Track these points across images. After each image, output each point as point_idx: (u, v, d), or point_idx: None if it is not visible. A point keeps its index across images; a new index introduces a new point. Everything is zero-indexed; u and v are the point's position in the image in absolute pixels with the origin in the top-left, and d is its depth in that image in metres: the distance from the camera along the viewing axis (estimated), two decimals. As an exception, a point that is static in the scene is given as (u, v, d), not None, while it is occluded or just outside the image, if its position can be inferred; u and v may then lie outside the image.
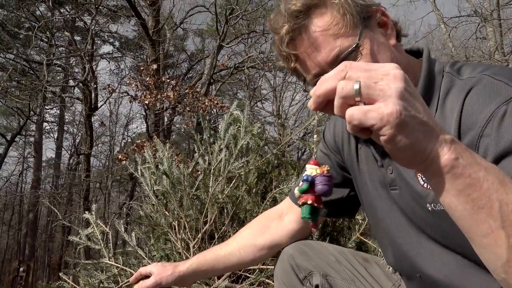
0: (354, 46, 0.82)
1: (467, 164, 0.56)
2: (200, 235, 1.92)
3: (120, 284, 1.84)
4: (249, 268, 1.82)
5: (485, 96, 0.73)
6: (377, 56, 0.83)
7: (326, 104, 0.60)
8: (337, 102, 0.56)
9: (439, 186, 0.58)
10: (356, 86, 0.54)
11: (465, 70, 0.83)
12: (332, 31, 0.83)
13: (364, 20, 0.84)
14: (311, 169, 0.66)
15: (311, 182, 0.66)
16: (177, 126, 15.72)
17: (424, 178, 0.83)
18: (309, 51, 0.85)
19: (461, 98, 0.76)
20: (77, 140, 19.13)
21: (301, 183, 0.67)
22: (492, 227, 0.56)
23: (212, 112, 9.88)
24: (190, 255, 1.89)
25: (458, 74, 0.82)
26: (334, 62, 0.82)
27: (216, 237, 1.94)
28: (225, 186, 1.95)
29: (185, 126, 10.67)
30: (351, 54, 0.82)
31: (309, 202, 0.66)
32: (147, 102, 8.74)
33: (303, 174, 0.67)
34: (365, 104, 0.55)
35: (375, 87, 0.54)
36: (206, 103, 8.76)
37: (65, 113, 18.45)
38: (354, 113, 0.54)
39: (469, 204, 0.56)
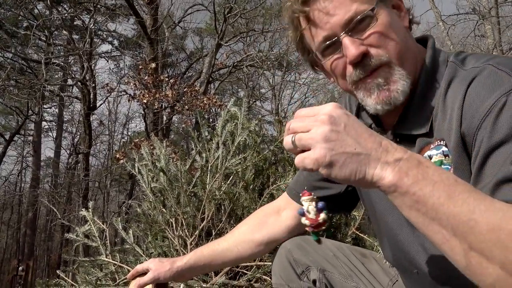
0: (370, 9, 0.80)
1: (412, 183, 0.61)
2: (197, 232, 1.91)
3: (118, 281, 1.84)
4: (246, 264, 1.82)
5: (487, 86, 0.73)
6: (390, 29, 0.82)
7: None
8: (289, 152, 0.66)
9: (393, 201, 0.64)
10: (293, 139, 0.66)
11: (469, 60, 0.82)
12: None
13: None
14: (305, 202, 0.78)
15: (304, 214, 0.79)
16: (175, 125, 15.72)
17: None
18: (324, 12, 0.82)
19: (463, 87, 0.76)
20: (76, 139, 19.09)
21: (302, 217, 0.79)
22: (446, 236, 0.59)
23: (211, 111, 9.88)
24: (187, 252, 1.88)
25: (463, 64, 0.82)
26: (347, 24, 0.81)
27: (213, 233, 1.94)
28: (222, 183, 1.95)
29: (184, 125, 10.67)
30: (365, 20, 0.81)
31: (309, 230, 0.78)
32: (145, 101, 8.72)
33: (310, 208, 0.78)
34: (304, 151, 0.65)
35: (305, 136, 0.65)
36: (205, 102, 8.75)
37: (64, 112, 18.44)
38: (296, 161, 0.66)
39: (421, 217, 0.61)
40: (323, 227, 0.76)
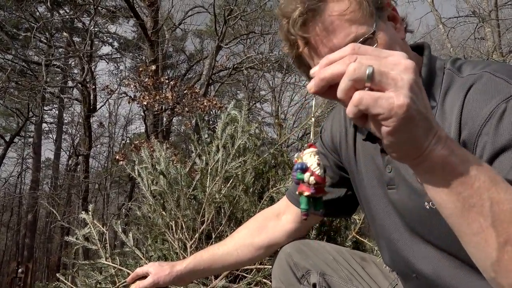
0: (370, 33, 0.80)
1: (460, 162, 0.56)
2: (197, 235, 1.91)
3: (117, 284, 1.84)
4: (246, 267, 1.82)
5: (485, 93, 0.73)
6: (391, 47, 0.82)
7: (327, 89, 0.58)
8: (344, 84, 0.54)
9: (430, 182, 0.58)
10: (369, 71, 0.52)
11: (466, 67, 0.82)
12: (348, 17, 0.80)
13: (378, 10, 0.83)
14: (308, 154, 0.63)
15: (305, 170, 0.63)
16: (176, 127, 15.73)
17: None
18: (322, 35, 0.81)
19: (461, 95, 0.76)
20: (76, 141, 19.11)
21: (296, 171, 0.63)
22: (483, 226, 0.56)
23: (211, 112, 9.89)
24: (187, 255, 1.88)
25: (459, 71, 0.82)
26: None
27: (213, 237, 1.94)
28: (222, 186, 1.95)
29: (184, 127, 10.67)
30: (367, 42, 0.80)
31: (306, 194, 0.63)
32: (145, 103, 8.73)
33: (299, 161, 0.64)
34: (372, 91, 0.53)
35: (388, 75, 0.53)
36: (205, 104, 8.76)
37: (64, 114, 18.45)
38: (364, 97, 0.52)
39: (460, 202, 0.56)
40: (322, 195, 0.62)
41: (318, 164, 0.62)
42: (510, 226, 0.55)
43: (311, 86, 0.58)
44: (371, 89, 0.53)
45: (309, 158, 0.63)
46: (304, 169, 0.62)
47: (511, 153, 0.67)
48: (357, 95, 0.53)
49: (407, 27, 0.92)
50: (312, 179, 0.62)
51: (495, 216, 0.55)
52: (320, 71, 0.57)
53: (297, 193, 0.65)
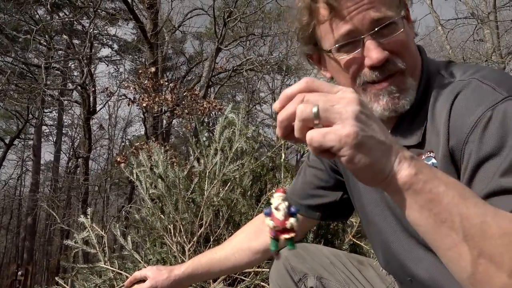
0: (398, 17, 0.80)
1: (427, 180, 0.58)
2: (195, 238, 1.91)
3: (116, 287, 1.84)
4: (244, 271, 1.82)
5: (472, 100, 0.74)
6: (409, 39, 0.84)
7: (291, 131, 0.60)
8: (297, 125, 0.58)
9: (402, 202, 0.60)
10: (315, 109, 0.56)
11: (456, 72, 0.83)
12: None
13: (400, 2, 0.84)
14: (275, 200, 0.65)
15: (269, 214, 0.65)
16: (175, 128, 15.74)
17: None
18: (352, 8, 0.79)
19: (449, 101, 0.77)
20: (76, 143, 19.12)
21: (270, 216, 0.64)
22: (455, 241, 0.57)
23: (211, 114, 9.89)
24: (185, 258, 1.89)
25: (450, 76, 0.83)
26: (373, 26, 0.80)
27: (211, 240, 1.94)
28: (220, 189, 1.95)
29: (184, 129, 10.68)
30: (391, 25, 0.80)
31: (269, 236, 0.64)
32: (145, 105, 8.74)
33: (282, 207, 0.65)
34: (323, 126, 0.57)
35: (333, 110, 0.56)
36: (205, 106, 8.76)
37: (64, 116, 18.45)
38: (314, 135, 0.56)
39: (432, 218, 0.57)
40: (288, 236, 0.63)
41: (277, 209, 0.64)
42: (482, 240, 0.55)
43: (278, 132, 0.63)
44: (323, 126, 0.57)
45: (275, 201, 0.65)
46: (269, 213, 0.65)
47: (495, 161, 0.67)
48: (308, 135, 0.57)
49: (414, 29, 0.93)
50: (271, 223, 0.64)
51: (466, 231, 0.56)
52: (278, 115, 0.61)
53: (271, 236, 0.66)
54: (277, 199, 0.64)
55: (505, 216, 0.57)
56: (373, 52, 0.80)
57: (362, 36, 0.80)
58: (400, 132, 0.86)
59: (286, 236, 0.63)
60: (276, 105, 0.62)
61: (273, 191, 0.69)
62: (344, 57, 0.84)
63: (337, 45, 0.83)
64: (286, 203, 0.64)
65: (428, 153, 0.81)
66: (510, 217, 0.57)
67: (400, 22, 0.81)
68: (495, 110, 0.70)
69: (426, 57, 0.90)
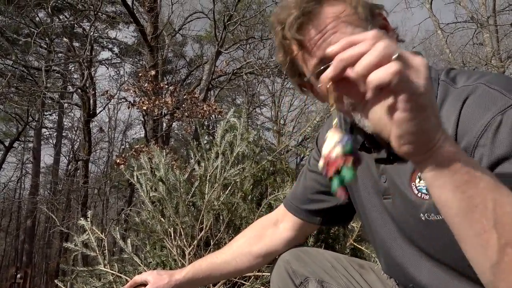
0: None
1: (466, 161, 0.57)
2: (195, 242, 1.91)
3: (116, 291, 1.83)
4: (244, 275, 1.82)
5: (481, 105, 0.73)
6: None
7: (340, 80, 0.56)
8: (370, 59, 0.52)
9: (436, 179, 0.58)
10: (396, 55, 0.52)
11: (460, 78, 0.82)
12: (344, 19, 0.81)
13: (371, 17, 0.84)
14: (340, 133, 0.60)
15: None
16: (175, 132, 15.74)
17: (418, 186, 0.83)
18: (317, 37, 0.81)
19: (457, 107, 0.76)
20: (76, 146, 19.10)
21: (338, 144, 0.59)
22: (485, 227, 0.56)
23: (211, 117, 9.89)
24: (185, 262, 1.88)
25: (453, 82, 0.82)
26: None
27: (211, 244, 1.94)
28: (221, 193, 1.95)
29: (184, 132, 10.68)
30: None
31: (349, 163, 0.58)
32: (145, 108, 8.74)
33: (332, 140, 0.60)
34: None
35: (411, 62, 0.53)
36: (205, 109, 8.77)
37: (64, 119, 18.46)
38: (400, 69, 0.51)
39: (465, 201, 0.56)
40: (337, 168, 0.57)
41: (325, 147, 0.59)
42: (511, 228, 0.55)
43: (327, 74, 0.57)
44: None
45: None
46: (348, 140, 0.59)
47: (507, 164, 0.67)
48: (394, 66, 0.51)
49: (398, 37, 0.92)
50: (320, 163, 0.59)
51: (497, 218, 0.55)
52: (340, 54, 0.55)
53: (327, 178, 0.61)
54: (329, 137, 0.60)
55: None
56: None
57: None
58: None
59: (334, 168, 0.58)
60: (333, 48, 0.57)
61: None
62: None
63: (312, 75, 0.85)
64: (337, 136, 0.60)
65: None
66: None
67: None
68: (505, 115, 0.69)
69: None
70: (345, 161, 0.58)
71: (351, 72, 0.55)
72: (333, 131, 0.61)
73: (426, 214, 0.81)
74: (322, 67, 0.83)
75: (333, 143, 0.59)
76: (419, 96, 0.52)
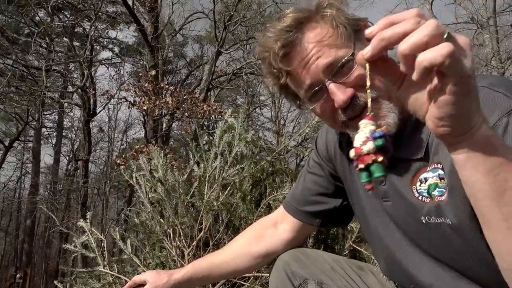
0: (350, 55, 0.81)
1: (500, 144, 0.57)
2: (195, 242, 1.91)
3: (115, 292, 1.83)
4: (243, 275, 1.82)
5: (485, 108, 0.73)
6: None
7: (378, 59, 0.54)
8: (420, 38, 0.49)
9: (469, 161, 0.57)
10: (446, 34, 0.49)
11: None
12: (326, 42, 0.82)
13: (355, 33, 0.84)
14: (372, 126, 0.58)
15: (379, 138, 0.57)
16: (175, 132, 15.74)
17: (419, 189, 0.83)
18: (303, 63, 0.83)
19: None
20: (76, 146, 19.10)
21: (371, 137, 0.57)
22: None
23: (211, 118, 9.89)
24: (185, 263, 1.88)
25: None
26: (329, 70, 0.82)
27: (210, 244, 1.94)
28: (220, 194, 1.95)
29: (183, 132, 10.67)
30: (347, 64, 0.81)
31: (380, 159, 0.57)
32: (145, 108, 8.74)
33: (365, 132, 0.58)
34: None
35: (459, 42, 0.51)
36: (205, 109, 8.76)
37: (64, 119, 18.44)
38: (454, 50, 0.48)
39: (496, 184, 0.55)
40: (368, 162, 0.56)
41: (362, 136, 0.58)
42: None
43: (367, 50, 0.54)
44: None
45: (360, 131, 0.59)
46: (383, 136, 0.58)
47: None
48: (447, 46, 0.48)
49: None
50: (352, 153, 0.58)
51: None
52: (380, 32, 0.52)
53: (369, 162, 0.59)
54: (360, 127, 0.59)
55: None
56: (336, 95, 0.82)
57: (322, 85, 0.83)
58: (401, 147, 0.85)
59: (366, 162, 0.57)
60: (374, 28, 0.54)
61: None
62: (316, 105, 0.88)
63: (304, 99, 0.88)
64: (369, 128, 0.58)
65: (435, 164, 0.80)
66: None
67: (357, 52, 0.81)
68: (511, 117, 0.70)
69: None
70: (376, 157, 0.57)
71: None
72: (366, 121, 0.59)
73: (427, 217, 0.81)
74: (312, 91, 0.85)
75: (365, 135, 0.58)
76: (467, 79, 0.51)
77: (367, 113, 0.59)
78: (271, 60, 0.86)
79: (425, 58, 0.49)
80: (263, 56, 0.89)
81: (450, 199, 0.77)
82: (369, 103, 0.59)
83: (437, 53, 0.48)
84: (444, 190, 0.78)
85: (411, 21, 0.51)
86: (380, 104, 0.82)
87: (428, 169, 0.81)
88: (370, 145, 0.57)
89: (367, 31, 0.54)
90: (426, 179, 0.81)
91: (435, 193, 0.80)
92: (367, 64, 0.56)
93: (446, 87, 0.51)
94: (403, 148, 0.85)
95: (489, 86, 0.75)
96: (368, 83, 0.58)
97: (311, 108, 0.89)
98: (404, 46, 0.50)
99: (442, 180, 0.79)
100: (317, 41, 0.82)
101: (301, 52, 0.83)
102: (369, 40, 0.63)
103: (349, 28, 0.83)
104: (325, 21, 0.84)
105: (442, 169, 0.79)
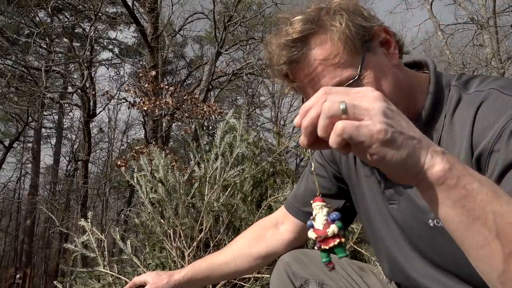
0: (356, 77, 0.80)
1: (461, 175, 0.57)
2: (195, 243, 1.91)
3: (115, 292, 1.83)
4: (244, 276, 1.81)
5: (495, 111, 0.74)
6: (379, 82, 0.81)
7: (316, 139, 0.60)
8: (323, 122, 0.57)
9: (434, 198, 0.58)
10: (342, 106, 0.55)
11: (472, 84, 0.82)
12: (332, 61, 0.80)
13: (366, 43, 0.82)
14: (314, 210, 0.65)
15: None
16: (175, 132, 15.74)
17: None
18: (307, 81, 0.83)
19: (472, 113, 0.76)
20: (75, 146, 19.09)
21: (329, 220, 0.63)
22: (488, 238, 0.56)
23: (211, 118, 9.89)
24: (185, 263, 1.88)
25: (465, 88, 0.82)
26: None
27: (211, 245, 1.94)
28: (221, 194, 1.95)
29: (184, 133, 10.67)
30: (352, 84, 0.79)
31: (343, 240, 0.63)
32: (145, 108, 8.73)
33: (323, 214, 0.64)
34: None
35: (360, 106, 0.56)
36: (205, 109, 8.76)
37: (64, 119, 18.43)
38: (346, 126, 0.55)
39: (465, 215, 0.57)
40: (334, 244, 0.61)
41: (316, 219, 0.64)
42: None
43: (302, 141, 0.61)
44: None
45: (314, 212, 0.64)
46: (311, 225, 0.64)
47: None
48: (340, 124, 0.55)
49: (402, 49, 0.90)
50: (313, 235, 0.63)
51: (499, 228, 0.55)
52: (302, 122, 0.60)
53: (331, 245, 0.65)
54: (315, 209, 0.63)
55: None
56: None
57: None
58: None
59: (331, 244, 0.61)
60: (297, 120, 0.61)
61: (311, 202, 0.68)
62: None
63: None
64: (325, 210, 0.63)
65: None
66: None
67: (364, 69, 0.81)
68: None
69: (435, 70, 0.88)
70: (340, 239, 0.62)
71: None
72: (320, 203, 0.64)
73: (435, 220, 0.81)
74: None
75: (324, 217, 0.63)
76: (377, 138, 0.54)
77: (317, 193, 0.67)
78: (276, 72, 0.87)
79: (331, 142, 0.56)
80: (269, 64, 0.89)
81: None
82: (317, 185, 0.69)
83: (334, 136, 0.56)
84: None
85: (317, 107, 0.58)
86: None
87: None
88: (333, 228, 0.61)
89: (296, 123, 0.61)
90: None
91: None
92: (309, 150, 0.63)
93: (366, 151, 0.56)
94: None
95: (499, 88, 0.76)
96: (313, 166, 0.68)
97: None
98: (319, 132, 0.58)
99: None
100: (323, 59, 0.81)
101: (306, 69, 0.82)
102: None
103: (358, 40, 0.81)
104: (333, 35, 0.81)
105: None
